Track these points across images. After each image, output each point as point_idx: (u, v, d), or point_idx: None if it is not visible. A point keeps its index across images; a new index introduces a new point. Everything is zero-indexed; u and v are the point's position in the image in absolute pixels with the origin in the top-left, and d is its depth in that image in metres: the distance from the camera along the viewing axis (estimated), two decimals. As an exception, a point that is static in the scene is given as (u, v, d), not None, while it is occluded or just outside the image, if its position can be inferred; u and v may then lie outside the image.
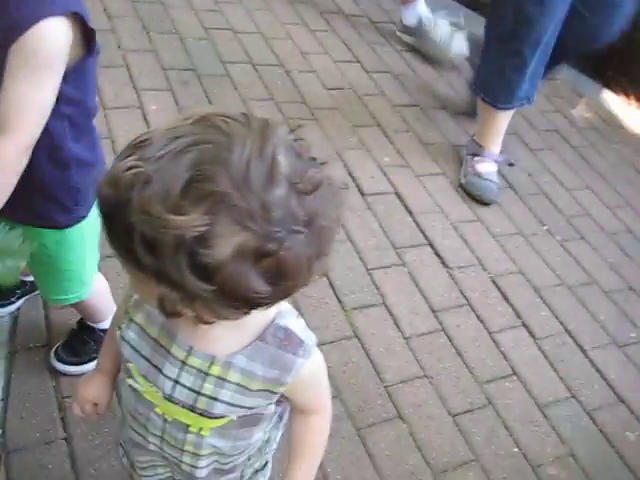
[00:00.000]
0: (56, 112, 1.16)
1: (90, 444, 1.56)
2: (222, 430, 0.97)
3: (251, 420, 0.98)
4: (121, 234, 0.72)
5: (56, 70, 1.12)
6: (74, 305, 1.61)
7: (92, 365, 1.68)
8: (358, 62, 3.15)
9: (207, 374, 0.92)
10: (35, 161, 1.17)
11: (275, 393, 0.94)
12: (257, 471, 1.16)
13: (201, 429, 0.97)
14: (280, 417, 1.08)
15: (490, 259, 2.34)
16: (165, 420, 0.98)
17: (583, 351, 2.15)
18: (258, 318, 0.89)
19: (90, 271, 1.53)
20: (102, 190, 0.73)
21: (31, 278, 1.76)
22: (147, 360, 0.95)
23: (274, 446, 1.15)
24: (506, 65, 2.49)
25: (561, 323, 2.21)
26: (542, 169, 2.88)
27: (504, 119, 2.64)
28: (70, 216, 1.36)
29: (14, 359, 1.69)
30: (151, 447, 1.05)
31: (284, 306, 0.93)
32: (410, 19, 3.36)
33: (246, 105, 2.65)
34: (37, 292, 1.81)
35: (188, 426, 0.97)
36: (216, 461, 1.04)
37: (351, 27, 3.40)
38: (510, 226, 2.53)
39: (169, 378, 0.94)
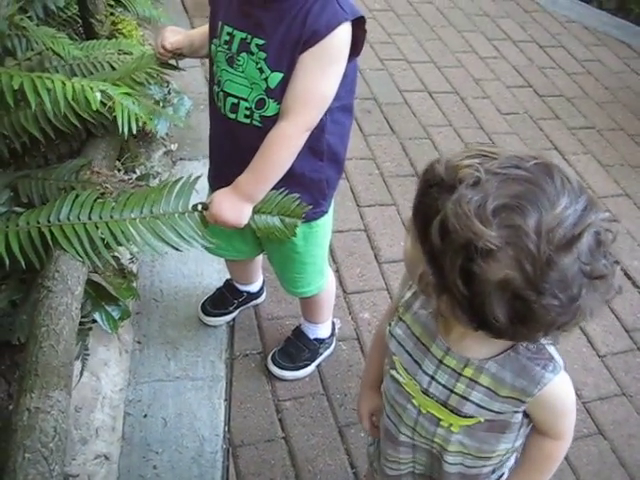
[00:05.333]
0: None
1: (307, 444, 1.69)
2: (470, 430, 1.05)
3: (498, 426, 1.04)
4: (427, 206, 0.82)
5: (341, 65, 1.27)
6: (306, 299, 1.73)
7: (304, 372, 1.83)
8: (530, 86, 3.19)
9: (460, 375, 1.00)
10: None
11: (522, 402, 0.99)
12: None
13: (451, 425, 1.05)
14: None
15: (683, 280, 2.29)
16: (420, 412, 1.08)
17: None
18: None
19: (327, 263, 1.66)
20: (437, 166, 0.83)
21: (248, 288, 1.93)
22: (409, 355, 1.06)
23: (512, 461, 1.18)
24: None
25: None
26: None
27: None
28: (316, 210, 1.48)
29: (233, 364, 1.85)
30: (401, 438, 1.14)
31: None
32: None
33: (426, 131, 2.76)
34: (251, 304, 1.98)
35: (440, 420, 1.06)
36: (461, 464, 1.11)
37: (520, 52, 3.45)
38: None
39: (427, 374, 1.04)
